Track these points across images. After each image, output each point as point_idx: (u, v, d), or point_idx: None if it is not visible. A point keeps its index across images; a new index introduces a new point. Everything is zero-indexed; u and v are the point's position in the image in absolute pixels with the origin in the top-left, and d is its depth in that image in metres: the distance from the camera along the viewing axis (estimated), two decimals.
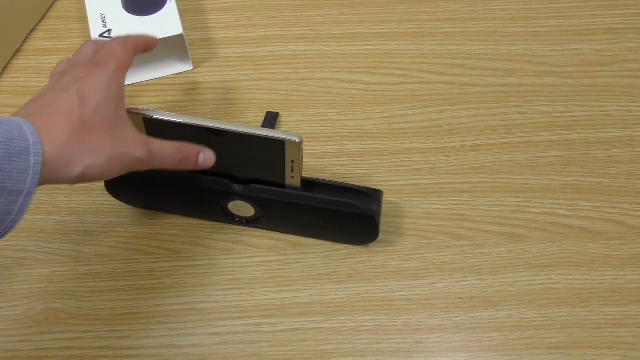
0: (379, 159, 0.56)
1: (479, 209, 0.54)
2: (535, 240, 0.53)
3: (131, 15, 0.60)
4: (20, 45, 0.63)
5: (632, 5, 0.65)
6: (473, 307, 0.50)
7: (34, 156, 0.35)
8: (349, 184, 0.49)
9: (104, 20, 0.59)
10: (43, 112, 0.39)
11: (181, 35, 0.58)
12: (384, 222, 0.53)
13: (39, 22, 0.65)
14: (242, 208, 0.50)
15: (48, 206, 0.54)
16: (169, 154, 0.43)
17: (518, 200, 0.55)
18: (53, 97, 0.40)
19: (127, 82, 0.48)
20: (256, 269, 0.52)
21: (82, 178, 0.38)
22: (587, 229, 0.53)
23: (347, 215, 0.48)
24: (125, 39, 0.45)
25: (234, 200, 0.49)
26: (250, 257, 0.52)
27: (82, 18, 0.63)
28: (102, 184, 0.55)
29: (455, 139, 0.58)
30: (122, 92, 0.42)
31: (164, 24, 0.59)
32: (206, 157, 0.45)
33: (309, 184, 0.48)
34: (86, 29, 0.60)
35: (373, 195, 0.49)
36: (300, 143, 0.43)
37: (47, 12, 0.65)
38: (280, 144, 0.44)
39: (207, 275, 0.52)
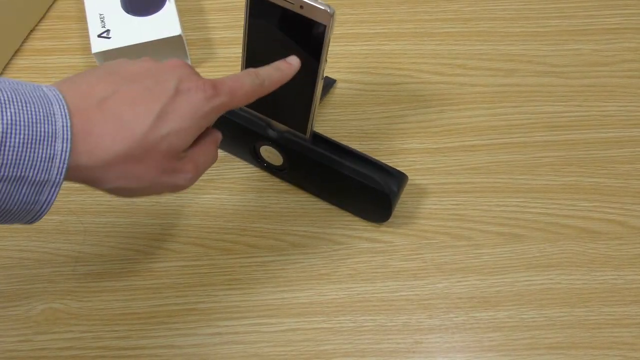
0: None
1: (479, 209, 0.54)
2: (535, 240, 0.53)
3: (130, 16, 0.60)
4: (20, 45, 0.63)
5: (631, 5, 0.65)
6: (473, 307, 0.50)
7: (63, 142, 0.31)
8: (378, 161, 0.49)
9: (102, 21, 0.59)
10: (104, 110, 0.33)
11: (180, 36, 0.58)
12: (384, 222, 0.53)
13: (39, 22, 0.65)
14: (271, 155, 0.52)
15: None
16: (211, 157, 0.39)
17: (518, 200, 0.55)
18: (128, 100, 0.34)
19: None
20: (256, 269, 0.52)
21: (109, 193, 0.36)
22: (587, 229, 0.53)
23: (365, 187, 0.48)
24: (262, 81, 0.39)
25: (266, 144, 0.50)
26: (250, 257, 0.52)
27: (82, 18, 0.63)
28: None
29: (455, 139, 0.58)
30: (205, 127, 0.37)
31: (163, 24, 0.59)
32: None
33: (340, 150, 0.49)
34: (85, 29, 0.60)
35: (397, 177, 0.49)
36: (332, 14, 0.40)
37: (46, 12, 0.65)
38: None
39: (207, 275, 0.52)
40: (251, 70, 0.40)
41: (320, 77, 0.43)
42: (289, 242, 0.53)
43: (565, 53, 0.62)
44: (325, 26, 0.40)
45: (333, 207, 0.54)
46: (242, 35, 0.44)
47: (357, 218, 0.54)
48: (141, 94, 0.34)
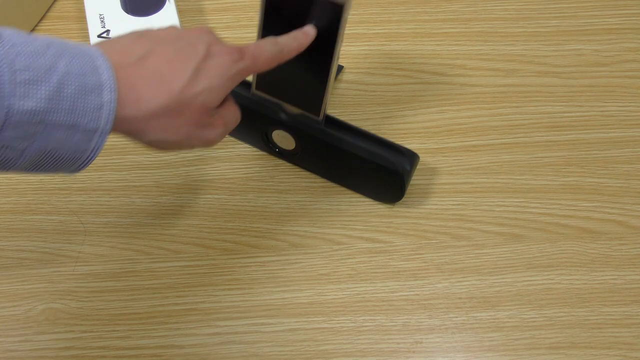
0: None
1: (479, 209, 0.54)
2: (536, 240, 0.53)
3: (130, 16, 0.60)
4: None
5: (632, 6, 0.65)
6: (473, 307, 0.50)
7: (108, 92, 0.33)
8: (390, 141, 0.50)
9: (102, 21, 0.59)
10: (145, 70, 0.36)
11: None
12: (384, 222, 0.53)
13: (39, 22, 0.65)
14: (283, 139, 0.52)
15: (48, 206, 0.54)
16: (235, 118, 0.42)
17: (518, 200, 0.55)
18: (167, 59, 0.36)
19: None
20: (256, 269, 0.52)
21: (148, 146, 0.38)
22: (587, 229, 0.53)
23: (378, 167, 0.49)
24: (282, 48, 0.42)
25: (278, 129, 0.51)
26: (250, 257, 0.52)
27: (82, 18, 0.63)
28: (102, 184, 0.55)
29: (455, 139, 0.58)
30: (233, 86, 0.40)
31: (163, 24, 0.59)
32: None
33: (353, 131, 0.50)
34: (85, 29, 0.60)
35: (409, 156, 0.50)
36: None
37: (46, 12, 0.65)
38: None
39: (207, 275, 0.52)
40: (271, 38, 0.42)
41: (336, 58, 0.44)
42: (289, 242, 0.53)
43: (566, 53, 0.62)
44: (342, 6, 0.41)
45: (333, 207, 0.54)
46: (258, 12, 0.45)
47: (357, 218, 0.54)
48: (176, 53, 0.37)
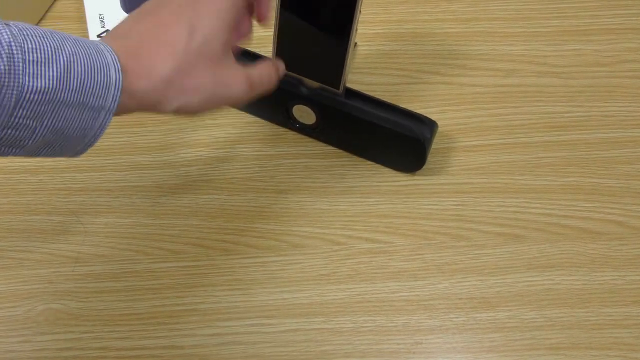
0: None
1: (479, 209, 0.54)
2: (536, 240, 0.53)
3: None
4: None
5: (632, 6, 0.65)
6: (473, 307, 0.50)
7: (116, 71, 0.34)
8: (410, 110, 0.50)
9: (102, 21, 0.59)
10: (144, 41, 0.37)
11: None
12: (384, 222, 0.53)
13: (39, 22, 0.65)
14: (304, 114, 0.53)
15: (48, 206, 0.54)
16: (267, 77, 0.42)
17: (518, 200, 0.55)
18: (158, 24, 0.37)
19: None
20: (256, 269, 0.52)
21: (174, 114, 0.38)
22: (587, 229, 0.53)
23: (399, 136, 0.50)
24: None
25: (299, 104, 0.52)
26: (250, 257, 0.52)
27: (82, 18, 0.63)
28: (102, 184, 0.55)
29: (455, 139, 0.58)
30: (233, 21, 0.39)
31: None
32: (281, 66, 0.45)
33: (373, 102, 0.51)
34: (85, 29, 0.60)
35: (428, 124, 0.51)
36: None
37: (46, 12, 0.65)
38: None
39: (207, 275, 0.52)
40: None
41: (355, 29, 0.44)
42: (289, 243, 0.53)
43: (566, 53, 0.62)
44: None
45: (333, 207, 0.54)
46: None
47: (357, 218, 0.54)
48: (168, 16, 0.38)
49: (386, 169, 0.56)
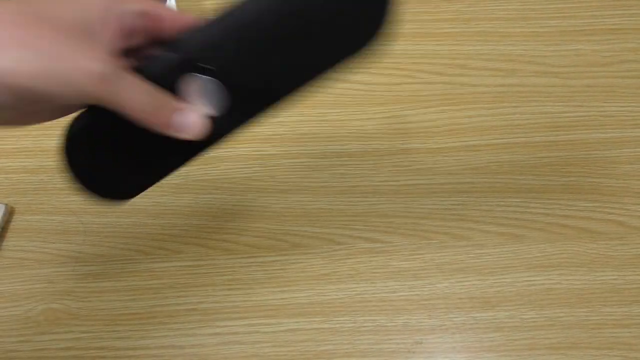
0: (379, 159, 0.56)
1: (479, 209, 0.54)
2: (536, 240, 0.53)
3: None
4: None
5: (632, 6, 0.65)
6: (473, 307, 0.50)
7: None
8: None
9: None
10: None
11: None
12: (384, 222, 0.53)
13: None
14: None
15: (48, 206, 0.54)
16: (140, 96, 0.30)
17: (518, 200, 0.55)
18: None
19: None
20: (256, 269, 0.52)
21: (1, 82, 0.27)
22: (587, 229, 0.53)
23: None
24: None
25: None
26: (250, 257, 0.52)
27: None
28: None
29: (455, 139, 0.58)
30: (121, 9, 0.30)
31: None
32: (187, 120, 0.32)
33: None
34: None
35: None
36: None
37: None
38: None
39: (207, 275, 0.52)
40: None
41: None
42: (289, 242, 0.53)
43: (566, 53, 0.62)
44: None
45: (333, 207, 0.54)
46: None
47: (357, 218, 0.54)
48: None
49: (386, 169, 0.56)
